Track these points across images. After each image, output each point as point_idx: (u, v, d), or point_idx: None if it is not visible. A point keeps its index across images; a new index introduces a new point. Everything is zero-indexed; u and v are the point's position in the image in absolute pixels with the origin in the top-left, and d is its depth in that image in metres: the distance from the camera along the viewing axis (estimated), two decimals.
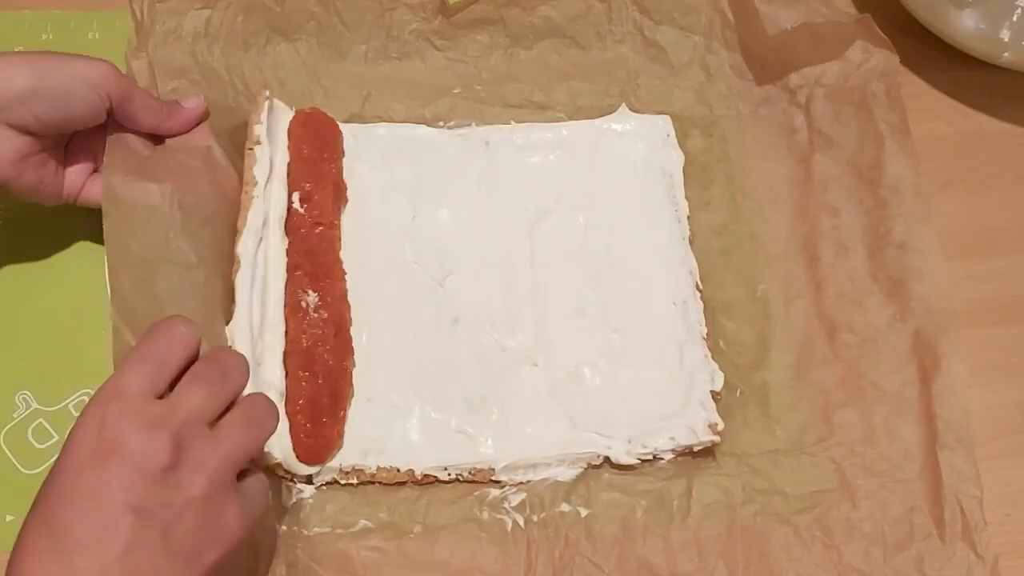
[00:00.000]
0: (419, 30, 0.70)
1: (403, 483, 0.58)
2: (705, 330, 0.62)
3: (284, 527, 0.56)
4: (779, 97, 0.70)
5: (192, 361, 0.48)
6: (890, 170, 0.66)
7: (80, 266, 0.64)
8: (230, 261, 0.59)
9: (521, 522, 0.57)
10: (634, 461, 0.58)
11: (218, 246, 0.60)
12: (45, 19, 0.72)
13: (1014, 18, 0.67)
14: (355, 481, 0.57)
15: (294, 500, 0.57)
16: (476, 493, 0.58)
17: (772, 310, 0.64)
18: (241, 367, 0.49)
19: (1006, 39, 0.68)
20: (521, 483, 0.58)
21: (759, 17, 0.68)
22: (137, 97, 0.59)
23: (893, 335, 0.62)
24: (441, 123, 0.68)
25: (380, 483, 0.58)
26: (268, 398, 0.50)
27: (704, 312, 0.63)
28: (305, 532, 0.56)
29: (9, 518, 0.57)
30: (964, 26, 0.69)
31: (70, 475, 0.44)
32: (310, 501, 0.57)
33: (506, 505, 0.58)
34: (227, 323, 0.58)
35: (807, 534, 0.58)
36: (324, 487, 0.57)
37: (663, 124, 0.68)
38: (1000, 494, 0.59)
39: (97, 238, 0.60)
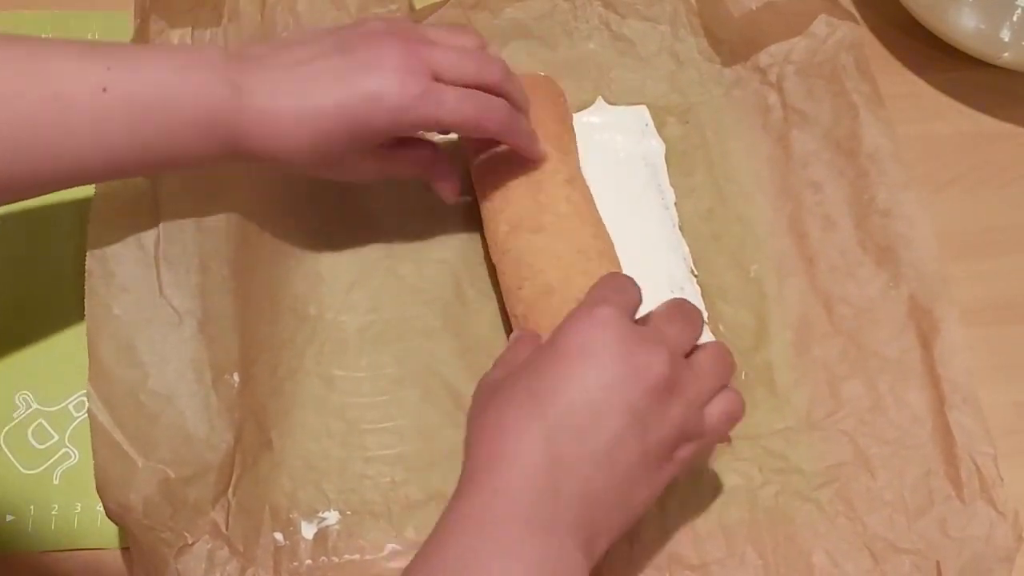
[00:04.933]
0: None
1: (426, 502, 0.58)
2: (706, 314, 0.61)
3: (310, 560, 0.55)
4: (750, 78, 0.70)
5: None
6: (867, 139, 0.66)
7: (81, 266, 0.62)
8: (234, 304, 0.59)
9: None
10: None
11: (209, 295, 0.59)
12: (45, 19, 0.71)
13: (1014, 18, 0.67)
14: None
15: (317, 531, 0.56)
16: None
17: (767, 290, 0.64)
18: (699, 313, 0.52)
19: (1006, 39, 0.68)
20: None
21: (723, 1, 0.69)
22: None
23: (888, 303, 0.63)
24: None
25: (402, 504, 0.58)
26: (727, 348, 0.52)
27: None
28: (336, 560, 0.56)
29: (9, 518, 0.57)
30: (964, 26, 0.69)
31: (564, 366, 0.46)
32: (336, 528, 0.56)
33: None
34: (234, 373, 0.58)
35: (830, 508, 0.58)
36: (349, 513, 0.57)
37: (641, 114, 0.68)
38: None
39: None
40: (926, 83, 0.74)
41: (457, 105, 0.54)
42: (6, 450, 0.59)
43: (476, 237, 0.64)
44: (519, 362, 0.50)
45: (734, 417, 0.51)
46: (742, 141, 0.69)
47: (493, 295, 0.63)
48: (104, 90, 0.49)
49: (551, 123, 0.62)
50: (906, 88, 0.72)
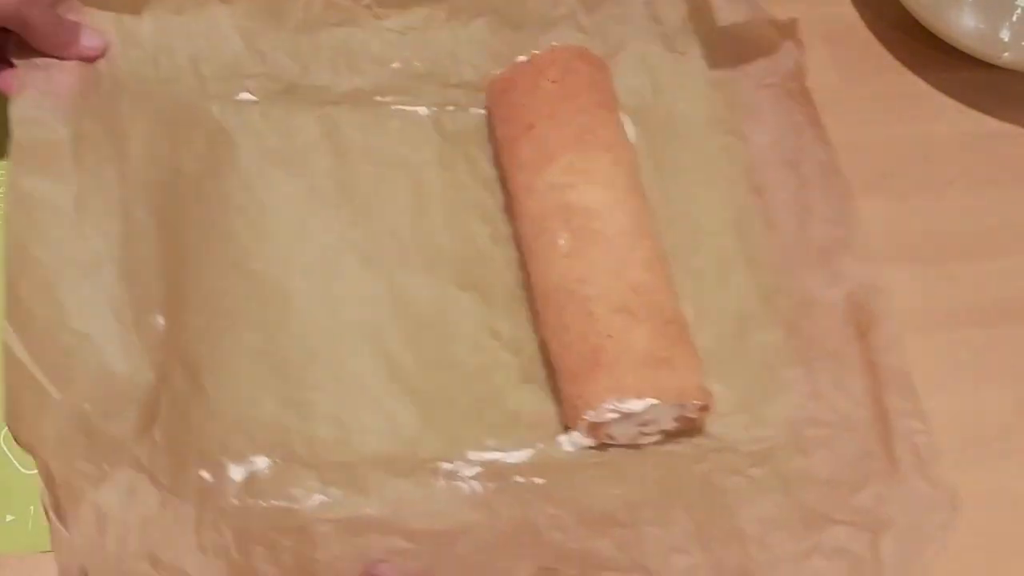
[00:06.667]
0: None
1: (357, 463, 0.57)
2: None
3: (236, 500, 0.54)
4: (699, 90, 0.71)
5: None
6: (810, 155, 0.68)
7: None
8: (159, 250, 0.59)
9: (479, 488, 0.57)
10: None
11: (131, 240, 0.59)
12: None
13: (1014, 18, 0.68)
14: None
15: (247, 474, 0.55)
16: (429, 467, 0.57)
17: (707, 283, 0.65)
18: None
19: (1006, 39, 0.69)
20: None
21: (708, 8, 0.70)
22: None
23: (827, 299, 0.63)
24: (379, 97, 0.68)
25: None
26: None
27: None
28: (262, 504, 0.55)
29: (9, 518, 0.57)
30: (964, 26, 0.70)
31: None
32: (266, 472, 0.56)
33: (462, 474, 0.57)
34: (158, 315, 0.57)
35: (764, 483, 0.58)
36: (279, 461, 0.56)
37: None
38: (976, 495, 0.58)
39: None
40: (926, 83, 0.74)
41: None
42: (6, 450, 0.58)
43: (422, 209, 0.65)
44: None
45: None
46: (688, 145, 0.70)
47: (440, 259, 0.64)
48: None
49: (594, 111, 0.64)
50: (906, 88, 0.73)
